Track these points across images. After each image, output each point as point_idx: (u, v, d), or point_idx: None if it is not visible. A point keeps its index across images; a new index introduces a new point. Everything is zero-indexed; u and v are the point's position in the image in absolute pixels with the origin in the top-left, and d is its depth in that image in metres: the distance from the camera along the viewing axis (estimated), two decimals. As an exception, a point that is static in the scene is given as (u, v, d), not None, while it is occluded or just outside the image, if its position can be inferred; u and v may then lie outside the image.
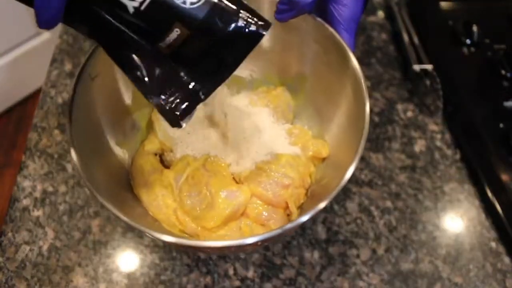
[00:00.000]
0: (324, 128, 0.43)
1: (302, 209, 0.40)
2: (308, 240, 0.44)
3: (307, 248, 0.44)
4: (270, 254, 0.43)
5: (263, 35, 0.30)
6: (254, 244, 0.33)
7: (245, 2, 0.30)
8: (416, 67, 0.55)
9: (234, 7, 0.29)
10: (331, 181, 0.37)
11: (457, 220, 0.47)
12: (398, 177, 0.49)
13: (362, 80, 0.36)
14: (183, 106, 0.30)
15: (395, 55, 0.60)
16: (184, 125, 0.31)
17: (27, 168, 0.48)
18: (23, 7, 0.28)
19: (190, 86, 0.30)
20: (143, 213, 0.39)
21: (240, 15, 0.29)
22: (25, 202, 0.46)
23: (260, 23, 0.30)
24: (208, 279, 0.42)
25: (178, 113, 0.30)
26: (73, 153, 0.32)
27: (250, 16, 0.30)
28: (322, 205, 0.31)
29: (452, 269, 0.43)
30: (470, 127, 0.51)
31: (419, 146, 0.52)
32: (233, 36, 0.29)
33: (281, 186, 0.39)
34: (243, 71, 0.47)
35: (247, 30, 0.29)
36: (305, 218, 0.31)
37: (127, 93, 0.42)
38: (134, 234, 0.44)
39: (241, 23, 0.29)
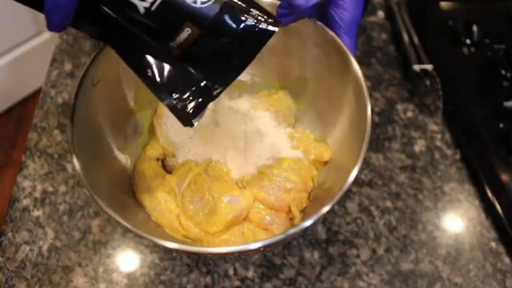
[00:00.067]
0: (326, 132, 0.43)
1: (304, 213, 0.40)
2: (308, 240, 0.44)
3: (307, 248, 0.44)
4: (270, 254, 0.43)
5: (274, 32, 0.30)
6: (257, 250, 0.33)
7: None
8: (416, 67, 0.55)
9: (244, 5, 0.29)
10: (334, 184, 0.37)
11: (457, 220, 0.47)
12: (398, 177, 0.49)
13: (364, 84, 0.36)
14: (195, 105, 0.30)
15: (395, 55, 0.60)
16: (195, 123, 0.31)
17: (27, 168, 0.48)
18: (23, 7, 0.27)
19: (201, 85, 0.30)
20: (145, 219, 0.39)
21: (251, 13, 0.29)
22: (25, 202, 0.46)
23: (270, 20, 0.30)
24: (208, 279, 0.42)
25: (189, 112, 0.30)
26: (75, 160, 0.32)
27: (260, 14, 0.30)
28: (325, 209, 0.31)
29: (452, 269, 0.43)
30: (470, 127, 0.51)
31: (419, 146, 0.52)
32: (244, 34, 0.29)
33: (284, 190, 0.39)
34: (244, 75, 0.47)
35: (257, 28, 0.29)
36: (308, 222, 0.31)
37: (129, 98, 0.42)
38: (134, 234, 0.44)
39: (251, 21, 0.29)
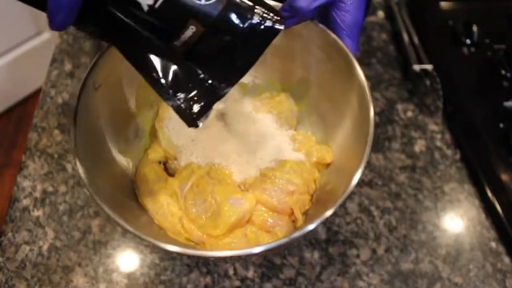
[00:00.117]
0: (328, 134, 0.43)
1: (307, 215, 0.40)
2: (308, 240, 0.44)
3: (307, 248, 0.44)
4: (270, 254, 0.43)
5: (280, 30, 0.29)
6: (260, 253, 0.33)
7: None
8: (416, 67, 0.55)
9: (249, 2, 0.29)
10: (336, 186, 0.37)
11: (457, 220, 0.47)
12: (398, 177, 0.49)
13: (366, 86, 0.35)
14: (200, 106, 0.30)
15: (395, 55, 0.60)
16: (200, 124, 0.30)
17: (27, 168, 0.48)
18: (23, 7, 0.27)
19: (206, 85, 0.30)
20: (148, 222, 0.38)
21: (256, 10, 0.29)
22: (25, 202, 0.46)
23: (276, 18, 0.29)
24: (208, 279, 0.42)
25: (194, 112, 0.30)
26: (78, 165, 0.32)
27: (265, 12, 0.29)
28: (329, 212, 0.31)
29: (452, 269, 0.43)
30: (470, 127, 0.51)
31: (419, 146, 0.52)
32: (249, 32, 0.29)
33: (286, 193, 0.39)
34: (245, 76, 0.47)
35: (263, 26, 0.29)
36: (312, 226, 0.30)
37: (130, 102, 0.42)
38: (137, 237, 0.44)
39: (256, 19, 0.29)
